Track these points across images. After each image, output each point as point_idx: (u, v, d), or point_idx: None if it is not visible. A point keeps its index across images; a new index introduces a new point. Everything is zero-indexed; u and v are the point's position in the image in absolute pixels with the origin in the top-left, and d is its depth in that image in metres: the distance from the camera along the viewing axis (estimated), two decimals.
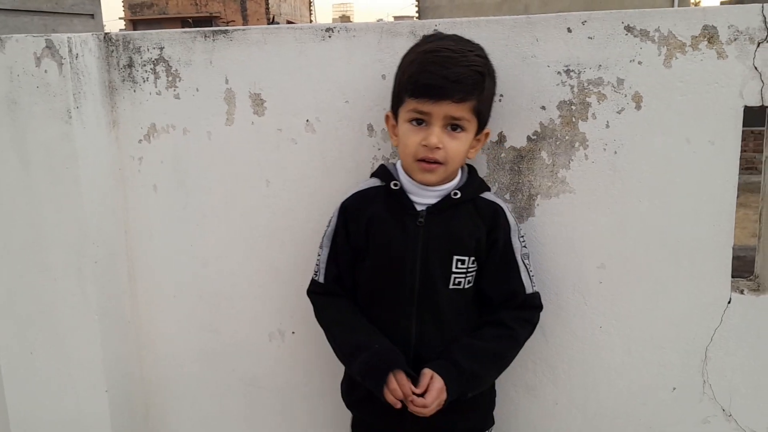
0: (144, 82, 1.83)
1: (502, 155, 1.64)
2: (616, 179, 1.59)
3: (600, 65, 1.55)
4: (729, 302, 1.59)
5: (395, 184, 1.50)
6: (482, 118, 1.46)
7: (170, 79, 1.81)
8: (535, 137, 1.62)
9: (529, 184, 1.64)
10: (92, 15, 13.95)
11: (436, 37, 1.49)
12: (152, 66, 1.81)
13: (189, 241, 1.90)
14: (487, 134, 1.52)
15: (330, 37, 1.68)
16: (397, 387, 1.38)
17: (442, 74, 1.38)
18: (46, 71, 1.72)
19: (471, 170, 1.56)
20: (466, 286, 1.50)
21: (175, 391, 2.02)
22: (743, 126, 1.51)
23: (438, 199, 1.49)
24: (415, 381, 1.40)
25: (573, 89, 1.57)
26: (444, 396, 1.39)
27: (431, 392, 1.38)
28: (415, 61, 1.44)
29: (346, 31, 1.68)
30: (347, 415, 1.66)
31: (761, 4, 1.46)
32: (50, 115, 1.75)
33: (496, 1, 14.92)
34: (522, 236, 1.53)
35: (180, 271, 1.92)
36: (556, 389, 1.73)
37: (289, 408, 1.95)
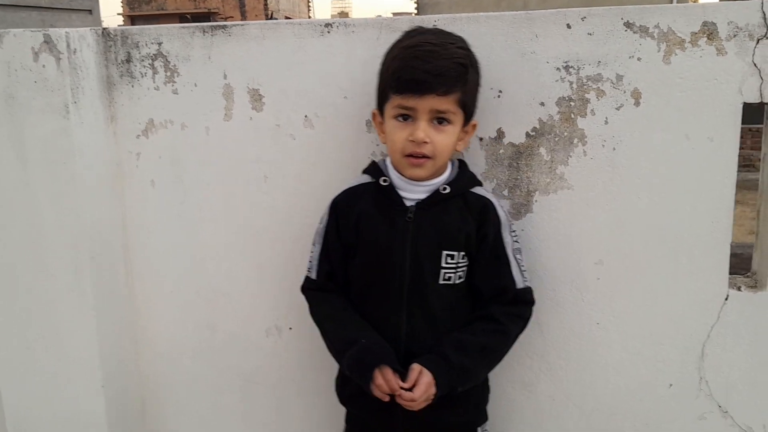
0: (142, 77, 1.83)
1: (501, 151, 1.64)
2: (614, 175, 1.59)
3: (599, 61, 1.55)
4: (726, 299, 1.59)
5: (384, 180, 1.51)
6: (468, 109, 1.46)
7: (168, 74, 1.80)
8: (533, 133, 1.61)
9: (528, 181, 1.64)
10: (90, 11, 13.92)
11: (417, 32, 1.49)
12: (150, 61, 1.81)
13: (187, 237, 1.89)
14: (474, 125, 1.52)
15: (329, 32, 1.68)
16: (383, 383, 1.39)
17: (425, 68, 1.38)
18: (44, 66, 1.72)
19: (461, 165, 1.56)
20: (457, 282, 1.50)
21: (172, 386, 2.02)
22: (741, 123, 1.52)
23: (427, 194, 1.49)
24: (403, 377, 1.40)
25: (572, 85, 1.57)
26: (433, 390, 1.39)
27: (419, 386, 1.38)
28: (398, 56, 1.44)
29: (345, 26, 1.67)
30: (343, 411, 1.65)
31: (761, 1, 1.45)
32: (48, 110, 1.74)
33: None
34: (513, 231, 1.53)
35: (177, 266, 1.92)
36: (552, 385, 1.73)
37: (285, 404, 1.95)
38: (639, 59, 1.52)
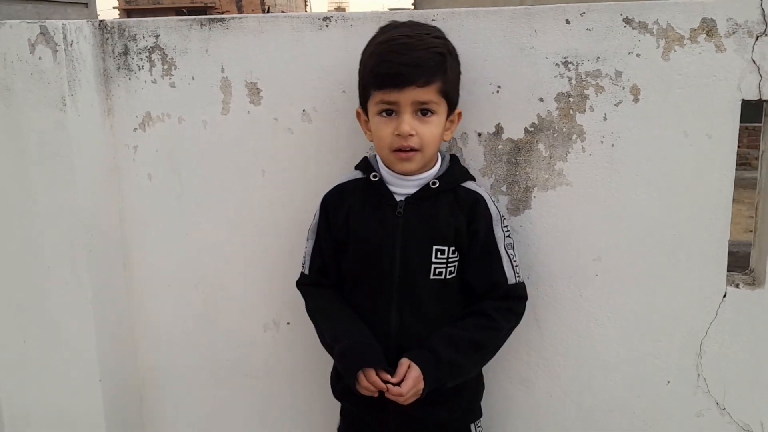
0: (139, 70, 1.82)
1: (499, 147, 1.64)
2: (613, 172, 1.58)
3: (598, 57, 1.54)
4: (724, 296, 1.59)
5: (374, 176, 1.51)
6: (450, 98, 1.46)
7: (166, 67, 1.79)
8: (532, 129, 1.61)
9: (526, 177, 1.64)
10: (86, 4, 13.88)
11: (392, 26, 1.49)
12: (148, 54, 1.80)
13: (184, 231, 1.89)
14: (459, 114, 1.52)
15: (327, 26, 1.67)
16: (368, 385, 1.39)
17: (401, 61, 1.38)
18: (40, 58, 1.71)
19: (453, 159, 1.55)
20: (448, 277, 1.49)
21: (170, 380, 2.02)
22: None
23: (417, 189, 1.49)
24: (392, 374, 1.40)
25: (571, 81, 1.57)
26: (421, 385, 1.39)
27: (407, 381, 1.38)
28: (374, 52, 1.44)
29: (344, 20, 1.67)
30: (338, 405, 1.65)
31: None
32: (44, 103, 1.73)
33: None
34: (506, 226, 1.52)
35: (175, 260, 1.91)
36: (550, 382, 1.73)
37: (282, 397, 1.94)
38: (638, 55, 1.52)
